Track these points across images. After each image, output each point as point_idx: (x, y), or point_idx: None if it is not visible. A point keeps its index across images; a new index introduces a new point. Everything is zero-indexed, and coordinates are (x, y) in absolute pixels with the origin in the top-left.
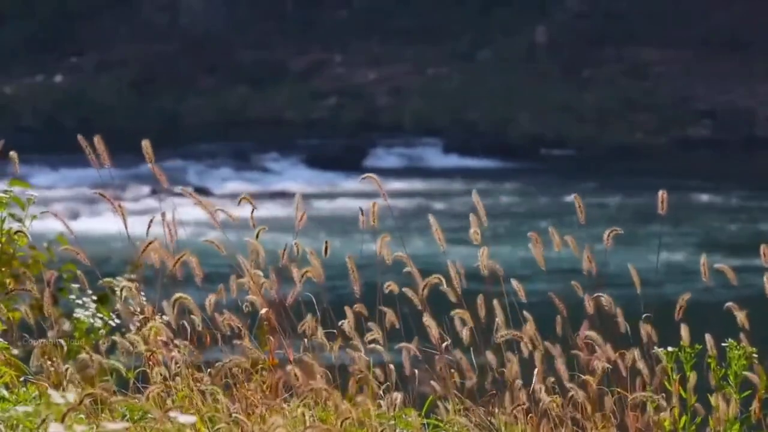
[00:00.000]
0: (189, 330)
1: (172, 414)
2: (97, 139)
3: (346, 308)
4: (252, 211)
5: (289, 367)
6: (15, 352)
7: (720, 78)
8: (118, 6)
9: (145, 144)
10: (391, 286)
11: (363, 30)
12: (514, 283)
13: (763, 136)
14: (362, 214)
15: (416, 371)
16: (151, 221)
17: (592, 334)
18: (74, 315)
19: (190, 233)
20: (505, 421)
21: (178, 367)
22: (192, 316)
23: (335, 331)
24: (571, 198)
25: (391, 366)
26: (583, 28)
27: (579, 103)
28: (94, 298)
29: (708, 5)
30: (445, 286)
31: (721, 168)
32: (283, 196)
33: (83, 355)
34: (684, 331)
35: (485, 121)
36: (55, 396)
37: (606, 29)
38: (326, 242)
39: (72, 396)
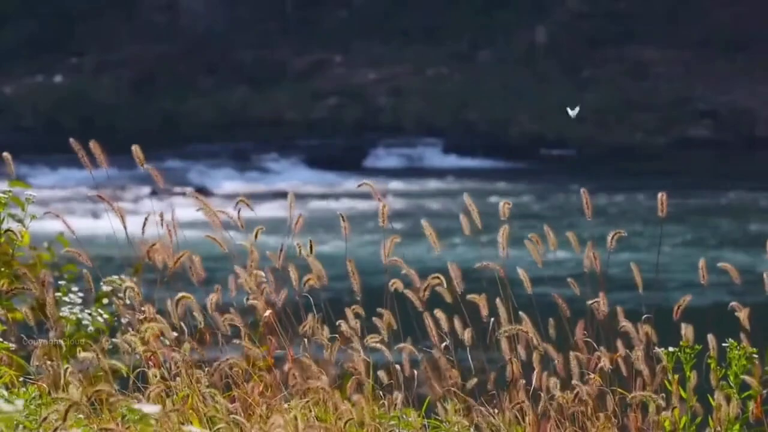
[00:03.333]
0: (188, 330)
1: (137, 405)
2: (92, 144)
3: (347, 309)
4: (239, 211)
5: (287, 366)
6: (14, 347)
7: (720, 78)
8: (118, 6)
9: (135, 149)
10: (396, 283)
11: (363, 30)
12: (521, 272)
13: (763, 136)
14: (344, 221)
15: (415, 372)
16: (146, 220)
17: (628, 324)
18: (60, 314)
19: (188, 233)
20: (508, 421)
21: (178, 368)
22: (194, 314)
23: (336, 335)
24: (572, 198)
25: (397, 366)
26: (583, 28)
27: (579, 103)
28: (80, 294)
29: (708, 5)
30: (445, 285)
31: (721, 168)
32: (284, 196)
33: (84, 354)
34: (685, 330)
35: (485, 121)
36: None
37: (606, 29)
38: (310, 241)
39: (21, 403)
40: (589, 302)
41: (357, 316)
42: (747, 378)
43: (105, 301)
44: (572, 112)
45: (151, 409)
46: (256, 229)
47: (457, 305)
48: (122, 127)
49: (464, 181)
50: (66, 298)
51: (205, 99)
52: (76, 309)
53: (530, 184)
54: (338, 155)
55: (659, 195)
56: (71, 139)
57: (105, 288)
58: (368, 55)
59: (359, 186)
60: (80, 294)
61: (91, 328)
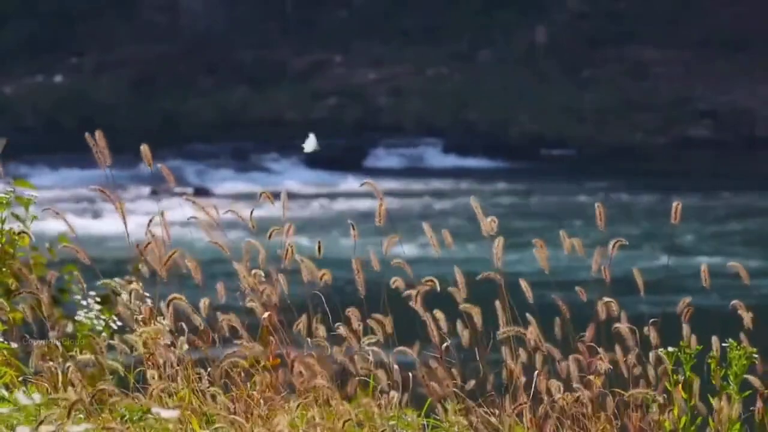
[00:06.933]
0: (187, 331)
1: (155, 410)
2: (98, 135)
3: (350, 310)
4: (252, 212)
5: (290, 366)
6: (14, 345)
7: (720, 78)
8: (118, 6)
9: (144, 149)
10: (397, 282)
11: (363, 30)
12: (523, 283)
13: (763, 136)
14: (353, 229)
15: (414, 373)
16: (151, 221)
17: (621, 326)
18: (76, 317)
19: (190, 234)
20: (509, 423)
21: (175, 369)
22: (193, 316)
23: (339, 333)
24: (572, 199)
25: (395, 366)
26: (583, 28)
27: (579, 103)
28: (98, 299)
29: (708, 5)
30: (452, 286)
31: (721, 168)
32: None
33: (84, 356)
34: (687, 330)
35: (485, 121)
36: (22, 398)
37: (606, 29)
38: (318, 242)
39: (38, 397)
40: (602, 301)
41: (360, 316)
42: (750, 378)
43: (120, 308)
44: (309, 146)
45: (169, 414)
46: (270, 230)
47: (460, 306)
48: (122, 127)
49: (464, 181)
50: (83, 302)
51: (205, 99)
52: (92, 314)
53: (530, 184)
54: (338, 155)
55: (674, 204)
56: (86, 134)
57: (118, 293)
58: (368, 55)
59: (362, 185)
60: (97, 299)
61: (104, 334)
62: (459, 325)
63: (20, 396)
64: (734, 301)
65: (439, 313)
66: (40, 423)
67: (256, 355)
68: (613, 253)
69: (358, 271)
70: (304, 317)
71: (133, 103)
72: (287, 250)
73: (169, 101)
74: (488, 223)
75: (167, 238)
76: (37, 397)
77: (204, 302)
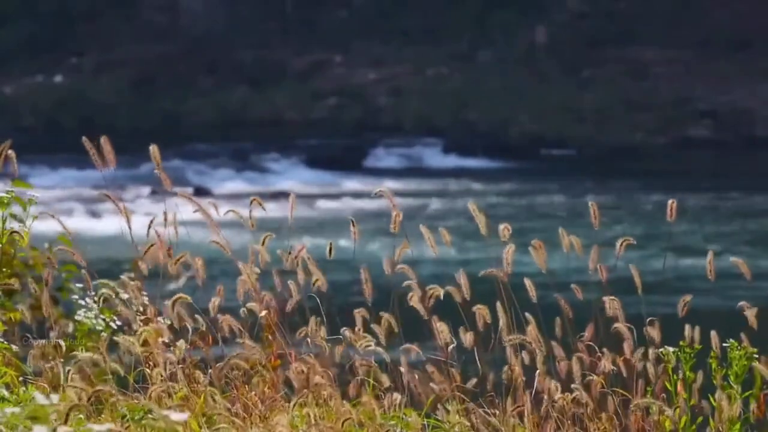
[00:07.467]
0: (191, 331)
1: (164, 412)
2: (103, 140)
3: (356, 313)
4: (250, 212)
5: (295, 365)
6: (15, 348)
7: (720, 78)
8: (118, 6)
9: (153, 149)
10: (413, 297)
11: (363, 30)
12: (527, 282)
13: (763, 136)
14: (353, 225)
15: (416, 374)
16: (152, 221)
17: (654, 330)
18: (76, 317)
19: (191, 234)
20: (513, 424)
21: (174, 368)
22: (195, 316)
23: (340, 336)
24: (572, 199)
25: (402, 368)
26: (583, 28)
27: (579, 103)
28: (95, 299)
29: (708, 5)
30: (457, 286)
31: (721, 168)
32: (283, 196)
33: (83, 354)
34: (688, 330)
35: (485, 121)
36: (41, 398)
37: (606, 29)
38: (330, 243)
39: (56, 398)
40: (605, 300)
41: (363, 318)
42: (759, 366)
43: (119, 307)
44: None
45: (178, 417)
46: (264, 236)
47: (464, 309)
48: (122, 127)
49: (464, 181)
50: (81, 302)
51: (205, 99)
52: (91, 314)
53: (530, 184)
54: (338, 155)
55: (669, 202)
56: (84, 138)
57: (115, 293)
58: (368, 55)
59: (376, 194)
60: (95, 299)
61: (104, 334)
62: (461, 328)
63: (38, 396)
64: (741, 303)
65: (442, 320)
66: (65, 419)
67: (256, 357)
68: (620, 253)
69: (366, 281)
70: (311, 321)
71: (133, 103)
72: (294, 260)
73: (169, 101)
74: (502, 230)
75: (175, 236)
76: (54, 398)
77: (213, 303)
